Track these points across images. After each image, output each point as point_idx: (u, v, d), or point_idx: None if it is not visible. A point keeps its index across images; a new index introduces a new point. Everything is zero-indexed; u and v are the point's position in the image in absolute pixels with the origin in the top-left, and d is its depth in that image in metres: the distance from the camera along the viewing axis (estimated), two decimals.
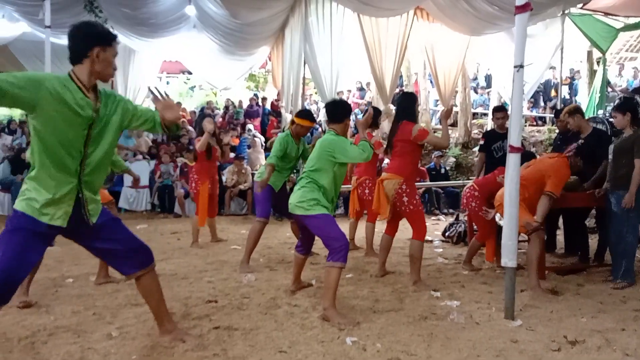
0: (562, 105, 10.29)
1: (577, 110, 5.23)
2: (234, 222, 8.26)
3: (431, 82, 12.77)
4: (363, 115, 6.22)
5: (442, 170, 10.34)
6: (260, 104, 14.33)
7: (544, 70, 11.52)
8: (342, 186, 3.86)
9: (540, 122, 13.60)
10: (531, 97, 12.87)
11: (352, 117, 13.02)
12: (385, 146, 4.57)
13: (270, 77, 15.62)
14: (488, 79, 14.63)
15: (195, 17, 10.41)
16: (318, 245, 4.20)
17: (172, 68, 17.43)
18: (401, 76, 12.66)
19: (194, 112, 14.33)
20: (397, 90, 13.17)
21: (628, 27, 10.06)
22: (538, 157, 5.52)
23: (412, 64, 13.08)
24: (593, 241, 5.56)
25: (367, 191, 5.64)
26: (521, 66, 3.33)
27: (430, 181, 9.64)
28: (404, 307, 3.71)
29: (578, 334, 3.12)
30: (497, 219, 5.08)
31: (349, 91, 15.37)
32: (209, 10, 9.97)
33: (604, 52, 10.16)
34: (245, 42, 11.69)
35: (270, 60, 14.02)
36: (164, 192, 9.32)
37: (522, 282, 4.22)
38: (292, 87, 10.64)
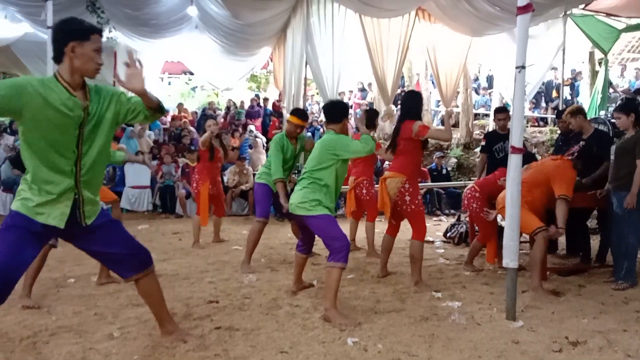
0: (564, 106, 10.28)
1: (580, 111, 5.22)
2: (236, 222, 8.26)
3: (433, 82, 12.77)
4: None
5: (444, 171, 10.35)
6: (261, 104, 14.34)
7: (546, 71, 11.52)
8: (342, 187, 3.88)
9: (541, 123, 13.60)
10: (533, 98, 12.87)
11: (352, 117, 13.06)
12: (388, 146, 4.55)
13: (271, 77, 15.64)
14: (490, 79, 14.63)
15: (197, 18, 10.42)
16: (319, 245, 4.20)
17: (173, 68, 17.44)
18: (403, 77, 12.68)
19: (196, 113, 14.34)
20: (399, 90, 13.19)
21: (630, 28, 10.05)
22: (539, 158, 5.51)
23: (414, 65, 13.09)
24: (595, 242, 5.56)
25: (364, 191, 5.66)
26: (523, 67, 3.33)
27: (432, 182, 9.65)
28: (406, 307, 3.70)
29: (580, 335, 3.12)
30: (498, 219, 5.07)
31: (351, 92, 15.38)
32: (210, 11, 9.98)
33: (605, 53, 10.16)
34: (247, 43, 11.71)
35: (271, 60, 14.04)
36: (166, 193, 9.33)
37: (524, 282, 4.21)
38: (293, 87, 10.65)
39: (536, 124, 13.61)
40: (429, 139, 4.46)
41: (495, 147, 5.63)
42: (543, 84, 13.05)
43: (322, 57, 9.72)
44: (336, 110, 3.79)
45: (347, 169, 4.07)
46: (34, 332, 3.11)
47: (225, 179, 9.17)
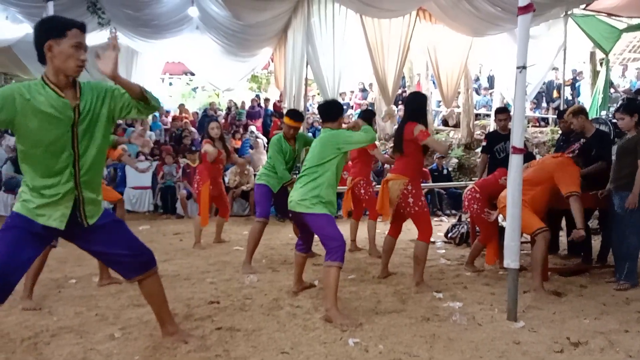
0: (565, 106, 10.27)
1: (581, 111, 5.22)
2: (237, 223, 8.26)
3: (434, 83, 12.76)
4: (360, 116, 6.25)
5: (445, 172, 10.33)
6: (262, 104, 14.34)
7: (547, 71, 11.50)
8: (338, 187, 3.90)
9: (542, 123, 13.59)
10: (534, 98, 12.86)
11: (349, 118, 13.03)
12: (393, 148, 4.52)
13: (272, 78, 15.63)
14: (491, 80, 14.62)
15: (198, 19, 10.42)
16: (320, 246, 4.20)
17: (174, 69, 17.46)
18: (403, 77, 12.66)
19: (197, 113, 14.34)
20: (400, 91, 13.19)
21: (631, 28, 10.03)
22: (539, 157, 5.51)
23: (415, 65, 13.07)
24: (596, 242, 5.55)
25: (362, 191, 5.68)
26: (524, 67, 3.33)
27: (433, 182, 9.64)
28: (407, 308, 3.70)
29: (581, 336, 3.12)
30: (500, 220, 5.07)
31: (352, 92, 15.37)
32: (211, 12, 9.98)
33: (607, 53, 10.14)
34: (247, 43, 11.70)
35: (272, 61, 14.02)
36: (167, 193, 9.33)
37: (525, 283, 4.21)
38: (294, 88, 10.63)
39: (537, 124, 13.60)
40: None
41: (496, 147, 5.62)
42: (544, 84, 13.04)
43: (323, 57, 9.71)
44: (332, 109, 3.87)
45: (344, 168, 4.08)
46: (35, 332, 3.12)
47: (226, 179, 9.17)
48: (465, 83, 12.22)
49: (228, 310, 3.60)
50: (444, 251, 6.07)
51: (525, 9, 3.31)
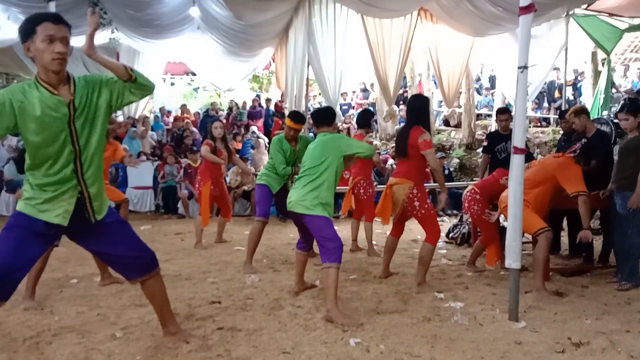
0: (567, 106, 10.26)
1: (583, 111, 5.21)
2: (238, 223, 8.26)
3: (435, 83, 12.76)
4: (359, 117, 6.27)
5: (446, 172, 10.33)
6: (262, 104, 14.35)
7: (548, 71, 11.49)
8: (338, 187, 3.97)
9: (544, 123, 13.58)
10: (535, 98, 12.85)
11: (350, 118, 13.04)
12: (396, 151, 4.50)
13: (274, 78, 15.64)
14: (492, 80, 14.61)
15: (200, 19, 10.43)
16: None
17: (176, 69, 17.47)
18: (405, 77, 12.65)
19: (198, 113, 14.36)
20: (401, 91, 13.18)
21: (633, 28, 10.02)
22: (540, 157, 5.50)
23: (416, 65, 13.07)
24: (597, 242, 5.54)
25: (362, 191, 5.68)
26: (525, 67, 3.32)
27: (434, 182, 9.61)
28: (408, 308, 3.70)
29: (582, 336, 3.11)
30: (501, 220, 5.06)
31: (353, 92, 15.37)
32: (213, 12, 9.98)
33: (608, 53, 10.12)
34: (249, 43, 11.71)
35: (274, 61, 14.04)
36: (168, 193, 9.34)
37: (526, 283, 4.21)
38: (295, 88, 10.63)
39: (539, 124, 13.58)
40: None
41: (497, 147, 5.62)
42: (545, 84, 13.03)
43: (324, 57, 9.71)
44: (329, 114, 4.03)
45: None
46: (37, 332, 3.12)
47: (227, 179, 9.18)
48: (466, 83, 12.22)
49: (229, 310, 3.60)
50: (445, 251, 6.07)
51: (526, 9, 3.31)
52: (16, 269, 2.42)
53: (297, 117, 5.00)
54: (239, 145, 11.52)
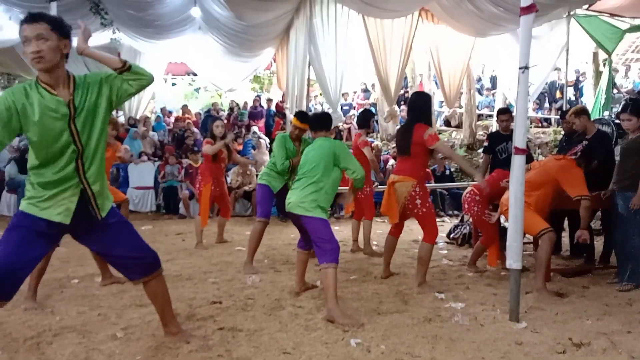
0: (568, 106, 10.25)
1: (583, 111, 5.21)
2: (239, 223, 8.27)
3: (436, 83, 12.75)
4: (359, 117, 6.28)
5: (447, 172, 10.32)
6: (263, 104, 14.36)
7: (549, 71, 11.49)
8: (340, 187, 4.01)
9: (545, 124, 13.57)
10: (536, 99, 12.84)
11: (351, 118, 13.04)
12: (398, 149, 4.50)
13: (275, 78, 15.64)
14: (493, 80, 14.61)
15: (201, 19, 10.44)
16: None
17: (177, 69, 17.48)
18: (406, 77, 12.66)
19: (199, 114, 14.37)
20: (402, 91, 13.17)
21: (634, 28, 10.01)
22: (541, 158, 5.49)
23: (417, 66, 13.07)
24: (598, 243, 5.54)
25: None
26: (526, 67, 3.32)
27: (435, 183, 9.63)
28: (409, 308, 3.70)
29: (583, 337, 3.11)
30: (502, 221, 5.06)
31: (354, 92, 15.37)
32: (214, 12, 9.99)
33: (609, 54, 10.12)
34: (250, 44, 11.72)
35: (275, 61, 14.04)
36: (169, 194, 9.35)
37: (527, 284, 4.21)
38: (296, 88, 10.64)
39: (540, 124, 13.57)
40: None
41: (498, 147, 5.62)
42: (546, 84, 13.02)
43: (325, 58, 9.71)
44: (325, 120, 4.12)
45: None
46: (37, 332, 3.13)
47: (228, 179, 9.18)
48: (467, 83, 12.21)
49: (230, 311, 3.61)
50: (446, 252, 6.06)
51: (527, 9, 3.30)
52: (19, 268, 2.42)
53: (303, 116, 5.02)
54: (240, 147, 11.53)
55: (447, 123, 13.60)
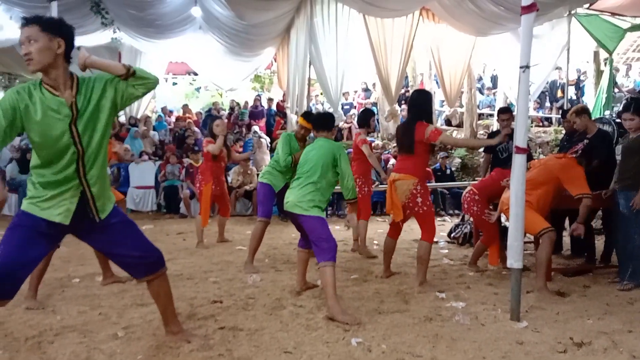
0: (569, 105, 10.24)
1: (584, 111, 5.20)
2: (239, 222, 8.28)
3: (437, 82, 12.74)
4: (359, 116, 6.26)
5: (448, 171, 10.32)
6: (264, 104, 14.35)
7: (550, 70, 11.48)
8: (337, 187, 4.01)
9: (546, 123, 13.55)
10: (537, 98, 12.83)
11: (352, 118, 13.03)
12: (400, 148, 4.49)
13: (275, 78, 15.64)
14: (494, 79, 14.59)
15: (201, 19, 10.44)
16: None
17: (178, 69, 17.50)
18: (407, 77, 12.65)
19: (200, 113, 14.38)
20: (403, 90, 13.17)
21: (635, 27, 10.00)
22: (542, 157, 5.48)
23: (418, 65, 13.06)
24: (599, 242, 5.53)
25: (357, 189, 5.68)
26: (527, 67, 3.32)
27: (436, 182, 9.63)
28: (409, 308, 3.70)
29: (584, 336, 3.11)
30: (503, 220, 5.06)
31: (355, 92, 15.36)
32: (214, 12, 10.00)
33: (610, 53, 10.11)
34: (250, 43, 11.73)
35: (275, 61, 14.05)
36: (170, 193, 9.35)
37: (528, 283, 4.20)
38: (297, 88, 10.65)
39: (540, 123, 13.56)
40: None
41: (498, 147, 5.61)
42: (547, 83, 13.00)
43: (326, 57, 9.72)
44: (329, 120, 4.12)
45: None
46: (39, 331, 3.13)
47: (229, 179, 9.18)
48: (468, 83, 12.20)
49: (231, 310, 3.61)
50: (447, 251, 6.06)
51: (528, 9, 3.30)
52: (20, 268, 2.43)
53: (310, 116, 5.03)
54: (240, 149, 11.53)
55: (448, 122, 13.58)
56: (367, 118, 5.86)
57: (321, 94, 13.69)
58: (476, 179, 8.48)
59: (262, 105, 14.21)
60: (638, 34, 12.80)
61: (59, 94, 2.43)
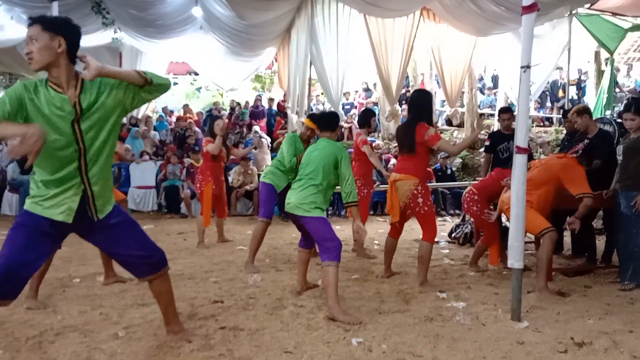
0: (570, 105, 10.24)
1: (585, 111, 5.20)
2: (240, 222, 8.28)
3: (437, 82, 12.74)
4: (360, 116, 6.26)
5: (448, 171, 10.32)
6: (265, 104, 14.35)
7: (551, 70, 11.47)
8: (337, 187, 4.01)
9: (547, 123, 13.55)
10: (538, 98, 12.82)
11: (353, 118, 13.01)
12: (401, 148, 4.48)
13: (276, 78, 15.64)
14: (495, 79, 14.59)
15: (202, 19, 10.45)
16: None
17: (178, 69, 17.51)
18: (407, 77, 12.64)
19: (201, 113, 14.38)
20: (404, 90, 13.16)
21: (636, 27, 10.00)
22: (543, 157, 5.48)
23: (419, 65, 13.05)
24: (600, 242, 5.53)
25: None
26: (528, 67, 3.32)
27: (437, 182, 9.63)
28: (410, 308, 3.70)
29: (585, 336, 3.11)
30: (503, 220, 5.05)
31: (356, 92, 15.36)
32: (215, 12, 10.01)
33: (611, 53, 10.11)
34: (251, 43, 11.73)
35: (276, 61, 14.05)
36: (171, 193, 9.35)
37: (529, 283, 4.20)
38: (298, 88, 10.65)
39: (541, 123, 13.56)
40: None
41: (499, 147, 5.60)
42: (548, 83, 13.00)
43: (327, 57, 9.72)
44: (333, 120, 4.09)
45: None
46: (39, 331, 3.13)
47: (230, 179, 9.19)
48: (469, 82, 12.20)
49: (232, 310, 3.61)
50: (447, 251, 6.06)
51: (529, 9, 3.30)
52: (23, 268, 2.43)
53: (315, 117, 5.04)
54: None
55: (449, 122, 13.58)
56: (367, 118, 5.86)
57: (322, 93, 13.68)
58: (477, 178, 8.48)
59: (262, 105, 14.22)
60: (639, 34, 12.80)
61: (63, 92, 2.44)
